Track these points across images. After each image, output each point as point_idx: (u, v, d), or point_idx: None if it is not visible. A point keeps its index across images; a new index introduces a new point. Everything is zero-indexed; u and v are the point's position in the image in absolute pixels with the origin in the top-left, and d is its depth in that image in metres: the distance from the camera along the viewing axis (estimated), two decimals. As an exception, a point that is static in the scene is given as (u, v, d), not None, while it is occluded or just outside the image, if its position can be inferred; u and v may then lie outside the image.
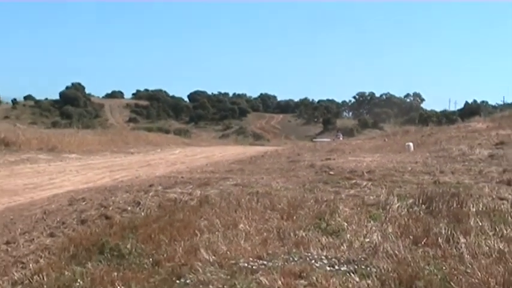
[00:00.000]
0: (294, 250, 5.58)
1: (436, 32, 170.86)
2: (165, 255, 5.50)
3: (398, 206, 7.46)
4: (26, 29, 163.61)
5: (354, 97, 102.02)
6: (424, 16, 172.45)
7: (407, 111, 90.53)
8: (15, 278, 5.59)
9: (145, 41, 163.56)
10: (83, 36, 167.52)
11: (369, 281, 4.74)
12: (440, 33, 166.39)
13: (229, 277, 4.83)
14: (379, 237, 6.00)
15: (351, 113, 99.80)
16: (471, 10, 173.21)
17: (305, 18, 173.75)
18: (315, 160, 13.65)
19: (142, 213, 7.75)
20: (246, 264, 5.13)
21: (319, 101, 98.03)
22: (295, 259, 5.31)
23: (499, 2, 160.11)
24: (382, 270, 4.96)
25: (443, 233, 6.08)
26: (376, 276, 4.85)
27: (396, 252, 5.49)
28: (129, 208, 8.20)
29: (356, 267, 5.11)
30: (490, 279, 4.57)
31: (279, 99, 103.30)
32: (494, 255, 5.34)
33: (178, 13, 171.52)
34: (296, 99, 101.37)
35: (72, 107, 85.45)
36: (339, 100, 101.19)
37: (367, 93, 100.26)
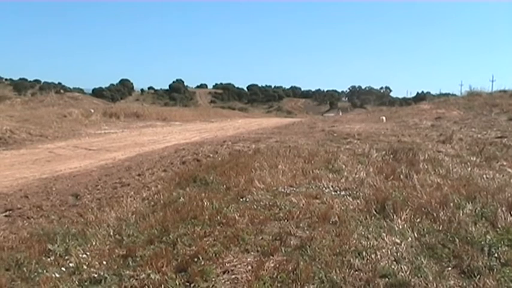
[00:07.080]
0: (312, 182, 5.58)
1: (399, 41, 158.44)
2: (233, 184, 5.57)
3: (376, 155, 7.38)
4: (153, 40, 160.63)
5: (349, 88, 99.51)
6: (389, 28, 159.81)
7: (381, 98, 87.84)
8: (144, 195, 5.77)
9: (218, 51, 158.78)
10: (181, 48, 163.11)
11: (358, 201, 4.77)
12: (403, 42, 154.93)
13: (272, 197, 4.88)
14: (364, 174, 5.97)
15: (346, 98, 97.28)
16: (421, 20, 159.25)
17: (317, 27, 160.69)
18: (325, 127, 13.43)
19: (219, 158, 7.81)
20: (282, 190, 5.17)
21: (327, 91, 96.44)
22: (313, 187, 5.32)
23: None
24: (366, 195, 4.97)
25: (403, 172, 6.05)
26: (362, 197, 4.87)
27: (375, 183, 5.48)
28: (211, 155, 8.28)
29: (350, 192, 5.11)
30: (431, 200, 4.62)
31: (302, 89, 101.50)
32: (434, 186, 5.37)
33: (236, 33, 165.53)
34: (313, 89, 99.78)
35: (176, 93, 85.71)
36: (339, 90, 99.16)
37: (356, 86, 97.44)
